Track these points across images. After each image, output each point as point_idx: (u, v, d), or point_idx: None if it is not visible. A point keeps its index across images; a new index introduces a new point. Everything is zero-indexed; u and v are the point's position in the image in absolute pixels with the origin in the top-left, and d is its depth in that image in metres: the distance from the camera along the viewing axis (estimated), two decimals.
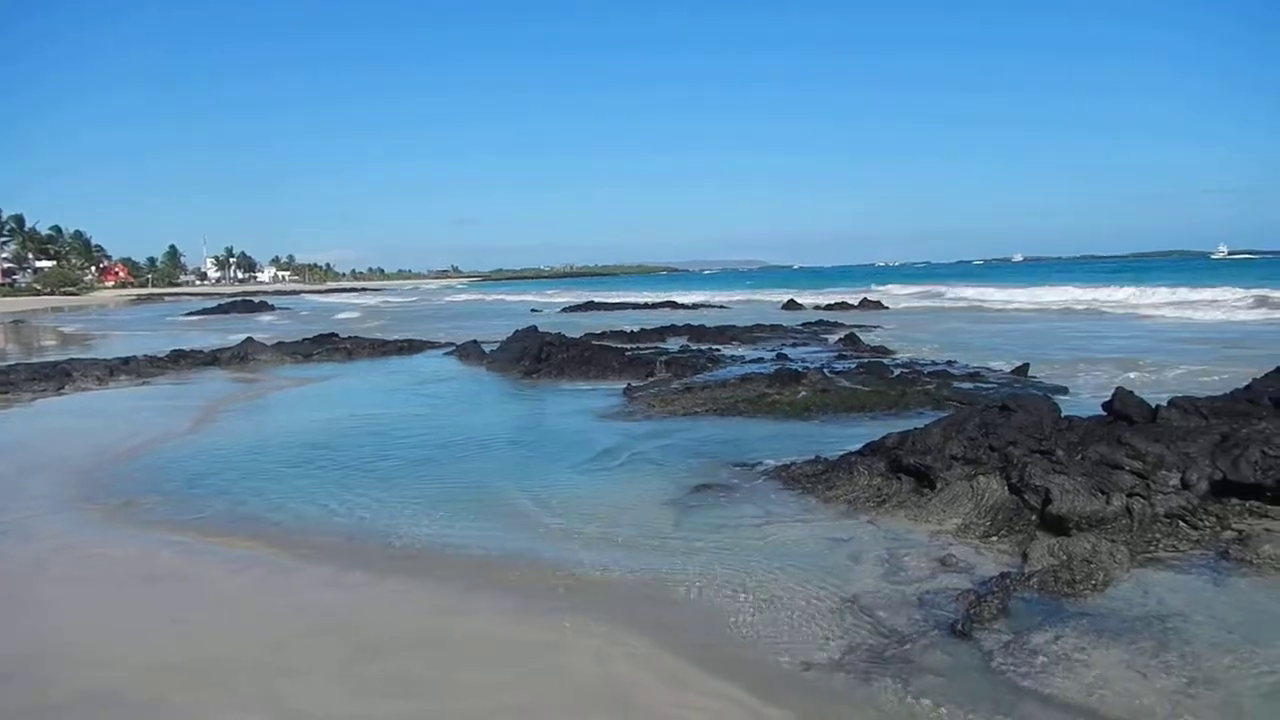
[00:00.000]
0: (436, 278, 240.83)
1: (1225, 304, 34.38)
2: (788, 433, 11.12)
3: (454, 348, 22.85)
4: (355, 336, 25.92)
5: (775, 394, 13.23)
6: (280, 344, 24.27)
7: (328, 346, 23.85)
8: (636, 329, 26.98)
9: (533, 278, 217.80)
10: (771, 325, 28.50)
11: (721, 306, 47.78)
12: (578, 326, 27.85)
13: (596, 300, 54.00)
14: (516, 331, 21.32)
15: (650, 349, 21.15)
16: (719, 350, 20.57)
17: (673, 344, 23.09)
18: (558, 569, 6.34)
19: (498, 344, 21.17)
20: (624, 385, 14.81)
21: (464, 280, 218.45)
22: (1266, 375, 10.22)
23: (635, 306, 48.03)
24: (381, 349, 23.88)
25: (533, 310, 47.43)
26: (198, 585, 6.32)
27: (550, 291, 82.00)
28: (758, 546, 6.69)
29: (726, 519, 7.42)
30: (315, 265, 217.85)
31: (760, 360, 17.70)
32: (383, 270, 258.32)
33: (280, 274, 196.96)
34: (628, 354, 19.02)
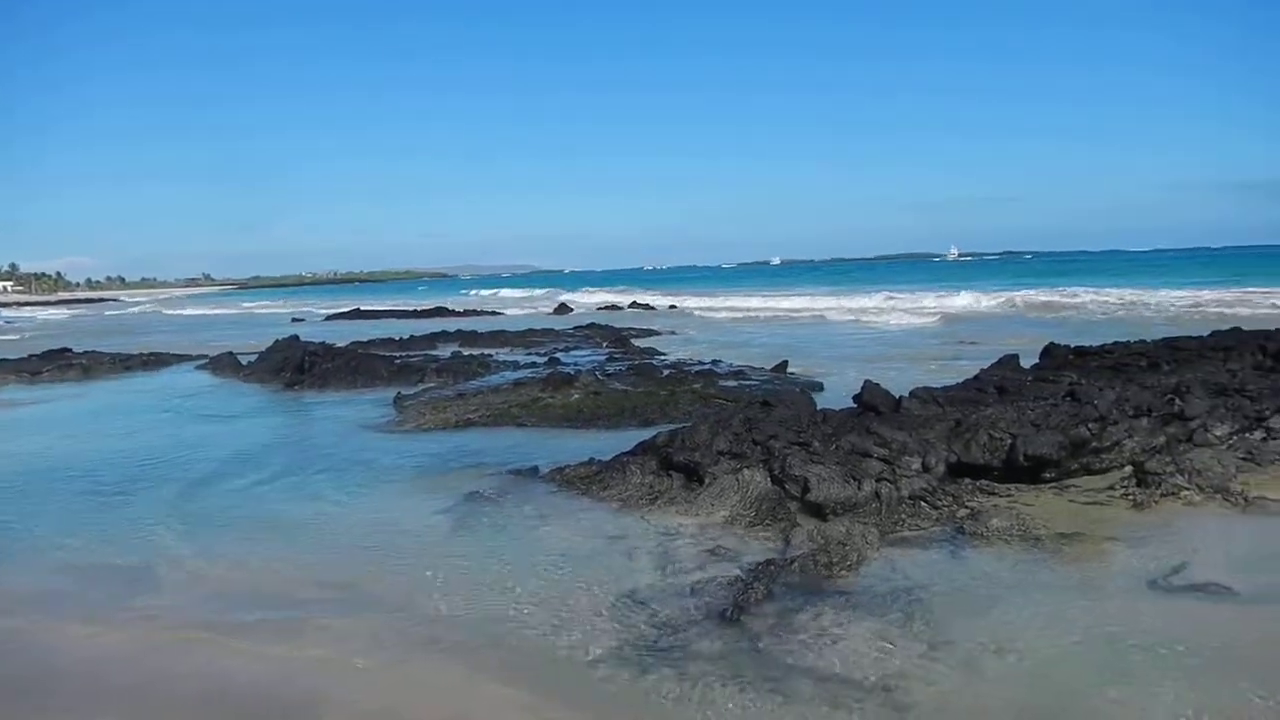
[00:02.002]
0: (185, 286, 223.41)
1: (954, 306, 37.73)
2: (562, 436, 11.19)
3: (206, 360, 21.41)
4: (93, 351, 23.66)
5: (549, 398, 13.27)
6: (2, 361, 21.85)
7: (60, 363, 21.60)
8: (407, 336, 26.32)
9: (294, 285, 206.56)
10: (544, 329, 28.62)
11: (493, 312, 47.46)
12: (344, 335, 26.82)
13: (364, 308, 52.20)
14: (277, 341, 20.20)
15: (421, 356, 20.63)
16: (492, 355, 20.36)
17: (444, 350, 22.64)
18: (321, 584, 6.08)
19: (256, 355, 20.02)
20: (394, 394, 14.38)
21: (215, 288, 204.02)
22: (991, 366, 11.35)
23: (405, 314, 46.72)
24: (124, 364, 21.90)
25: (294, 319, 45.04)
26: None
27: (311, 301, 77.97)
28: (533, 549, 6.69)
29: (501, 524, 7.36)
30: (44, 275, 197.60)
31: (533, 365, 17.71)
32: (123, 279, 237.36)
33: (2, 285, 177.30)
34: (397, 361, 18.49)
